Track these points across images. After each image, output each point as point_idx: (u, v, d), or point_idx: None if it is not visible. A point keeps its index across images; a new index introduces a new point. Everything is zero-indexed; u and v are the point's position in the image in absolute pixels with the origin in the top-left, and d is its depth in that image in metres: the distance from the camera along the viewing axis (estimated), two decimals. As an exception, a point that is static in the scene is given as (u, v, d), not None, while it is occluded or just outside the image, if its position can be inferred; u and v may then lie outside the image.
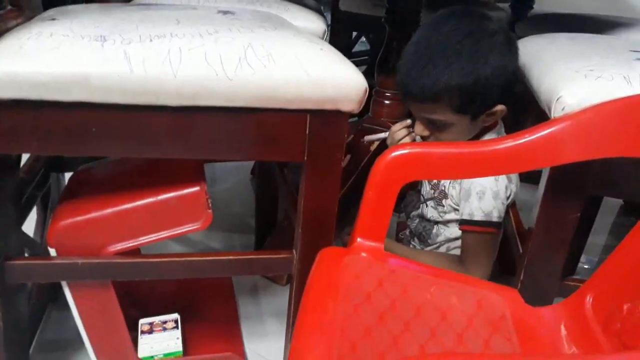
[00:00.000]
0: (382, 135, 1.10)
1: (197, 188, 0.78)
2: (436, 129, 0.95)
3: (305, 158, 0.73)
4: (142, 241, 0.78)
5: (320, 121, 0.71)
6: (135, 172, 0.87)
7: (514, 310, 0.65)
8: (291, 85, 0.67)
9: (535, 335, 0.62)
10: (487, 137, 0.99)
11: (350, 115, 0.72)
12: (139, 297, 1.07)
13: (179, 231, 0.78)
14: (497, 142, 0.67)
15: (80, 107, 0.64)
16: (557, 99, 0.71)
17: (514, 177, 1.00)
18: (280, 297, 1.21)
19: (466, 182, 0.98)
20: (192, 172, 0.81)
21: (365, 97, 0.71)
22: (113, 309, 0.83)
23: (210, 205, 0.78)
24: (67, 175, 0.95)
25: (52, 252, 0.77)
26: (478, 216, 0.96)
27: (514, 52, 0.91)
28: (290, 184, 1.05)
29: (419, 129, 0.97)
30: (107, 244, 0.78)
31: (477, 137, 0.98)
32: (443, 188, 1.03)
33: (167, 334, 0.97)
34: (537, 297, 0.73)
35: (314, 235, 0.78)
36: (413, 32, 0.98)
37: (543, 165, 0.71)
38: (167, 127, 0.68)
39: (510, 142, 0.65)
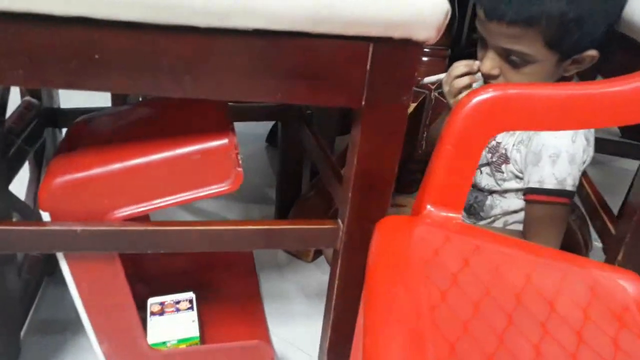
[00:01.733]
0: (443, 75, 0.92)
1: (225, 141, 0.62)
2: (511, 67, 0.79)
3: (363, 103, 0.58)
4: (157, 205, 0.63)
5: (386, 53, 0.55)
6: (148, 121, 0.72)
7: (640, 299, 0.50)
8: (353, 2, 0.51)
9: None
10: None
11: (424, 46, 0.56)
12: (148, 272, 0.94)
13: (203, 193, 0.63)
14: (618, 82, 0.51)
15: (80, 25, 0.49)
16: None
17: (592, 139, 0.84)
18: (306, 275, 1.07)
19: (536, 144, 0.82)
20: (217, 123, 0.65)
21: (445, 24, 0.55)
22: (119, 286, 0.69)
23: (240, 162, 0.63)
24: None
25: (45, 216, 0.62)
26: (550, 183, 0.81)
27: None
28: (323, 143, 0.90)
29: (488, 65, 0.81)
30: (113, 207, 0.63)
31: (551, 90, 0.83)
32: (504, 151, 0.88)
33: (181, 315, 0.84)
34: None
35: (367, 203, 0.64)
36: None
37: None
38: (190, 56, 0.53)
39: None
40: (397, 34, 0.54)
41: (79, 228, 0.60)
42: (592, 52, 0.77)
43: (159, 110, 0.76)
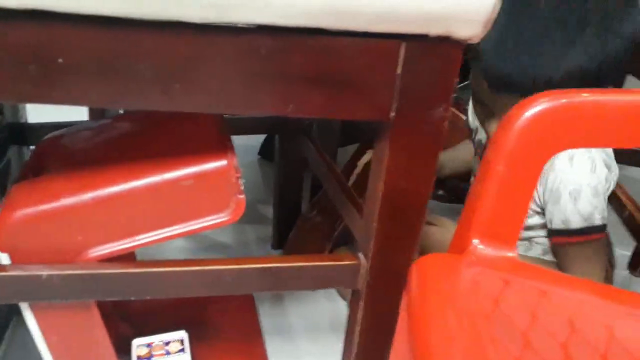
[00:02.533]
0: None
1: (223, 162, 0.52)
2: None
3: (393, 114, 0.47)
4: (140, 242, 0.52)
5: (420, 54, 0.45)
6: (131, 138, 0.62)
7: None
8: (384, -8, 0.41)
9: None
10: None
11: (466, 46, 0.46)
12: (132, 308, 0.83)
13: (197, 226, 0.52)
14: None
15: (38, 20, 0.38)
16: None
17: (613, 163, 0.75)
18: (311, 305, 0.97)
19: (552, 181, 0.72)
20: (213, 139, 0.55)
21: (493, 18, 0.45)
22: (97, 337, 0.58)
23: (242, 187, 0.52)
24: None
25: (4, 258, 0.51)
26: (576, 223, 0.71)
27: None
28: (328, 158, 0.80)
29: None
30: (88, 246, 0.52)
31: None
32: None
33: (171, 359, 0.72)
34: None
35: (396, 234, 0.53)
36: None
37: None
38: (180, 59, 0.42)
39: None
40: (434, 30, 0.44)
41: (45, 273, 0.49)
42: None
43: (143, 125, 0.65)
